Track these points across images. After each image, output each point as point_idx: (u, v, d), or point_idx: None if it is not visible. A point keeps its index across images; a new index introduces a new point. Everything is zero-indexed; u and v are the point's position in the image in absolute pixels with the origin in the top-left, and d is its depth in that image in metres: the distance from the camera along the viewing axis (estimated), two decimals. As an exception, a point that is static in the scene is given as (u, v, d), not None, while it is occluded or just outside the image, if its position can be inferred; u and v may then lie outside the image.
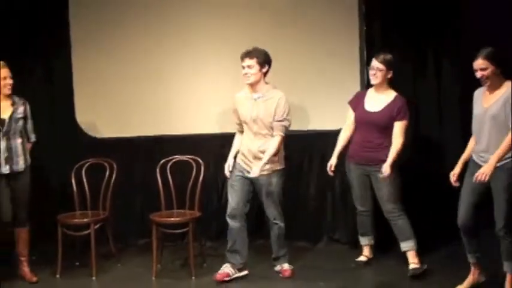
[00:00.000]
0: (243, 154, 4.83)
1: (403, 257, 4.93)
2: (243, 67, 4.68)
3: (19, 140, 4.88)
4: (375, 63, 4.81)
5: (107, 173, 5.35)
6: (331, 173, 5.03)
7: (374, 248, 5.17)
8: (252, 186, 4.86)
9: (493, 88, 4.16)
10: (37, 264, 5.28)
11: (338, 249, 5.58)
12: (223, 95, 5.55)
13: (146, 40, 5.82)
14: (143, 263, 5.20)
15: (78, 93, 5.96)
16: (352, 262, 5.07)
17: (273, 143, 4.71)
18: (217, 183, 5.89)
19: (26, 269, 4.99)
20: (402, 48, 5.38)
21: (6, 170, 4.80)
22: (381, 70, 4.78)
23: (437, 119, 5.49)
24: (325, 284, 4.72)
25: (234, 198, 4.86)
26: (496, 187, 4.14)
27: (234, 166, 4.86)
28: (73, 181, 5.36)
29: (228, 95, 5.31)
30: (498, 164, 4.08)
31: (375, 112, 4.86)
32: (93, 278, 5.06)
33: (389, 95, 4.88)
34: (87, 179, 5.38)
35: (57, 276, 5.08)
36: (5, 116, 4.81)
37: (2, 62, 4.78)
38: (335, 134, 5.30)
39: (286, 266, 4.98)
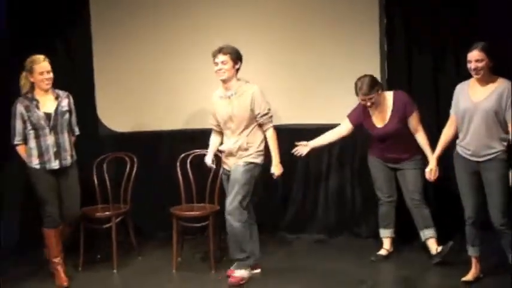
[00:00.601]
0: (222, 153, 4.83)
1: (423, 251, 4.94)
2: (216, 63, 4.60)
3: (66, 135, 4.82)
4: (366, 98, 4.76)
5: (128, 166, 5.38)
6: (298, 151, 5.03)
7: (394, 241, 5.15)
8: None
9: (483, 82, 4.19)
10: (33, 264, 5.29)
11: (358, 243, 5.57)
12: None
13: (169, 34, 5.83)
14: (163, 256, 5.22)
15: (99, 88, 5.99)
16: (372, 255, 5.05)
17: (270, 136, 4.70)
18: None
19: (62, 269, 4.88)
20: (422, 41, 5.35)
21: (56, 165, 4.73)
22: (373, 97, 4.76)
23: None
24: (345, 277, 4.72)
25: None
26: (489, 179, 4.21)
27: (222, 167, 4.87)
28: (94, 175, 5.39)
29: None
30: (489, 157, 4.18)
31: (385, 126, 4.87)
32: (114, 270, 5.10)
33: (389, 97, 4.88)
34: (108, 173, 5.42)
35: (79, 269, 5.13)
36: (51, 110, 4.75)
37: (41, 57, 4.71)
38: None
39: (238, 272, 4.72)
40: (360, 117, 4.94)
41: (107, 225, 5.16)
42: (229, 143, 4.72)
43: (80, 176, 5.09)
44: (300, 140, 5.08)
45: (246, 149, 4.67)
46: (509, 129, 4.14)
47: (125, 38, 5.91)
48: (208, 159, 4.83)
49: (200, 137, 5.37)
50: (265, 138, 4.73)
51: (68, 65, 5.95)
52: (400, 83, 5.35)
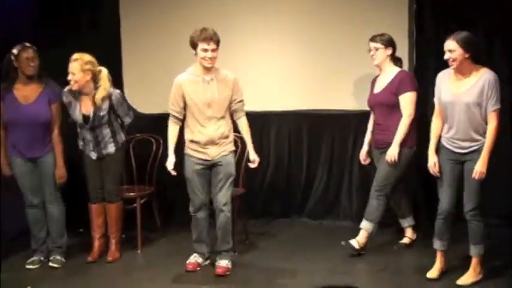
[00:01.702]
0: (194, 143, 4.55)
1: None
2: (206, 50, 4.37)
3: (106, 130, 4.80)
4: (371, 44, 4.77)
5: (154, 148, 5.39)
6: (362, 162, 5.07)
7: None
8: (210, 174, 4.65)
9: (462, 73, 4.12)
10: (84, 236, 5.37)
11: (381, 231, 5.45)
12: (266, 75, 5.65)
13: (198, 16, 5.74)
14: (187, 237, 5.12)
15: (126, 69, 6.00)
16: (395, 244, 5.05)
17: (245, 124, 4.65)
18: (261, 162, 5.75)
19: (112, 246, 4.96)
20: (453, 30, 5.19)
21: (94, 156, 4.82)
22: (377, 49, 4.74)
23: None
24: (367, 265, 4.74)
25: (200, 192, 4.64)
26: (470, 169, 4.16)
27: (185, 161, 4.62)
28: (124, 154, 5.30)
29: (270, 76, 5.48)
30: (473, 148, 4.15)
31: (378, 93, 4.81)
32: (138, 251, 5.15)
33: (393, 71, 4.80)
34: (134, 154, 5.44)
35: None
36: (89, 112, 4.75)
37: (72, 56, 4.68)
38: None
39: (222, 262, 4.65)
40: (372, 87, 4.94)
41: (132, 206, 5.19)
42: (209, 130, 4.51)
43: None
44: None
45: (227, 136, 4.58)
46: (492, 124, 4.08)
47: (154, 18, 5.91)
48: (171, 164, 4.57)
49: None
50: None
51: (96, 46, 5.84)
52: (428, 71, 5.29)
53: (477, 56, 4.08)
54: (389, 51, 4.76)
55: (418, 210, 5.35)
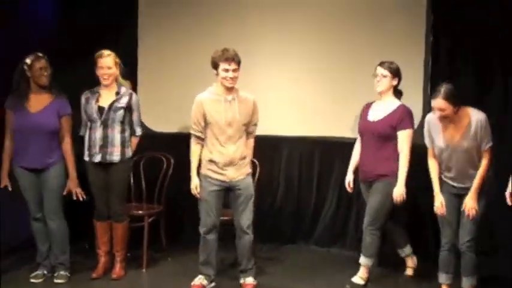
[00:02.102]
0: (213, 163, 4.59)
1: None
2: (227, 70, 4.46)
3: (117, 131, 4.79)
4: (379, 69, 4.72)
5: (164, 167, 5.42)
6: (349, 190, 4.99)
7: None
8: (225, 197, 4.73)
9: (454, 122, 4.26)
10: (88, 253, 5.37)
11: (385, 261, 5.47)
12: (280, 99, 5.69)
13: (212, 40, 5.76)
14: (193, 259, 5.12)
15: (140, 88, 6.03)
16: (400, 277, 5.05)
17: (251, 147, 4.72)
18: (271, 185, 5.93)
19: (117, 264, 4.93)
20: (469, 64, 5.36)
21: (98, 158, 4.75)
22: (385, 76, 4.69)
23: (505, 136, 5.29)
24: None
25: (213, 214, 4.66)
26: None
27: (201, 181, 4.63)
28: (130, 174, 5.37)
29: (285, 98, 5.52)
30: (469, 184, 4.29)
31: (374, 121, 4.76)
32: (143, 270, 5.15)
33: (393, 104, 4.75)
34: (144, 172, 5.48)
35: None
36: (106, 104, 4.78)
37: (105, 52, 4.77)
38: None
39: (250, 280, 4.80)
40: (364, 113, 4.90)
41: (140, 224, 5.19)
42: (229, 150, 4.58)
43: None
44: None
45: (245, 157, 4.65)
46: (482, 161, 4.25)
47: (169, 40, 6.00)
48: (196, 186, 4.60)
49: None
50: None
51: None
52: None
53: (461, 102, 4.24)
54: (395, 82, 4.73)
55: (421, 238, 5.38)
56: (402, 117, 4.66)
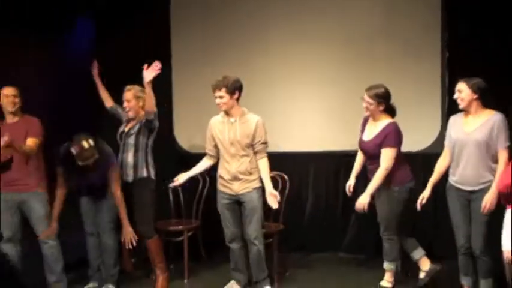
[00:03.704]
0: (222, 178, 4.87)
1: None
2: (215, 97, 4.73)
3: (130, 154, 5.06)
4: (365, 97, 4.76)
5: (200, 185, 5.67)
6: (348, 193, 5.07)
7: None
8: (239, 208, 4.89)
9: (471, 113, 4.34)
10: (134, 267, 5.64)
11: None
12: (307, 116, 5.89)
13: (241, 63, 6.06)
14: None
15: (177, 114, 6.38)
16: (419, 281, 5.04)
17: (264, 165, 4.82)
18: (300, 199, 6.09)
19: (159, 277, 5.13)
20: (484, 78, 5.23)
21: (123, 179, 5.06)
22: (370, 104, 4.72)
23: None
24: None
25: (231, 225, 4.90)
26: (476, 208, 4.34)
27: (217, 199, 4.91)
28: (170, 192, 5.66)
29: (310, 117, 5.67)
30: (480, 187, 4.31)
31: (366, 141, 4.88)
32: (185, 280, 5.41)
33: (383, 123, 4.78)
34: (182, 189, 5.70)
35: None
36: (125, 129, 5.16)
37: (126, 87, 5.09)
38: (414, 154, 5.50)
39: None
40: (362, 129, 4.98)
41: (180, 238, 5.45)
42: (232, 166, 4.80)
43: (157, 192, 5.27)
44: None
45: (250, 173, 4.80)
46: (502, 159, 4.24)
47: (201, 67, 6.21)
48: (183, 176, 4.96)
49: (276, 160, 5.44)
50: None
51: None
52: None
53: (487, 101, 4.32)
54: (381, 107, 4.75)
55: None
56: (387, 135, 4.71)
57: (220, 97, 4.73)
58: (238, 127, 4.79)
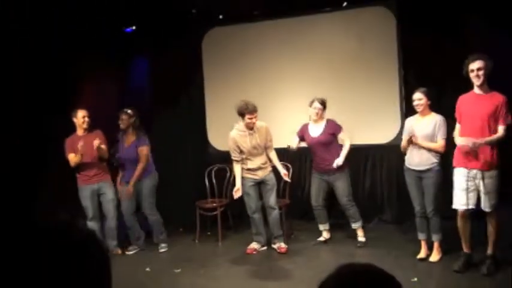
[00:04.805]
0: (250, 171, 5.88)
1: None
2: (251, 118, 5.68)
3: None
4: (316, 104, 5.83)
5: (228, 173, 6.81)
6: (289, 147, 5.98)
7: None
8: (260, 188, 5.92)
9: (423, 115, 5.20)
10: (182, 234, 6.90)
11: (385, 227, 6.78)
12: (300, 120, 6.48)
13: (260, 82, 7.19)
14: (251, 233, 6.32)
15: (209, 121, 7.64)
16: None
17: (275, 155, 5.98)
18: (300, 181, 7.22)
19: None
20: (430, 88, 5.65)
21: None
22: (320, 109, 5.86)
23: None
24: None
25: (252, 202, 5.94)
26: (427, 184, 5.24)
27: (242, 184, 5.89)
28: (206, 179, 6.92)
29: (302, 120, 6.39)
30: (429, 166, 5.14)
31: (318, 136, 5.92)
32: (219, 243, 6.51)
33: (324, 121, 5.90)
34: (215, 177, 6.93)
35: (196, 241, 6.56)
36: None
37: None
38: (381, 146, 6.71)
39: (282, 244, 5.94)
40: (302, 131, 6.05)
41: (214, 213, 6.57)
42: (257, 161, 5.86)
43: (198, 179, 6.72)
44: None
45: (266, 162, 5.96)
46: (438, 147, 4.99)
47: (230, 81, 7.33)
48: (239, 191, 5.85)
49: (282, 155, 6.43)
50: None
51: (188, 106, 7.59)
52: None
53: (432, 106, 5.22)
54: (325, 113, 5.90)
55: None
56: (334, 125, 5.88)
57: (255, 117, 5.75)
58: (258, 135, 5.81)
